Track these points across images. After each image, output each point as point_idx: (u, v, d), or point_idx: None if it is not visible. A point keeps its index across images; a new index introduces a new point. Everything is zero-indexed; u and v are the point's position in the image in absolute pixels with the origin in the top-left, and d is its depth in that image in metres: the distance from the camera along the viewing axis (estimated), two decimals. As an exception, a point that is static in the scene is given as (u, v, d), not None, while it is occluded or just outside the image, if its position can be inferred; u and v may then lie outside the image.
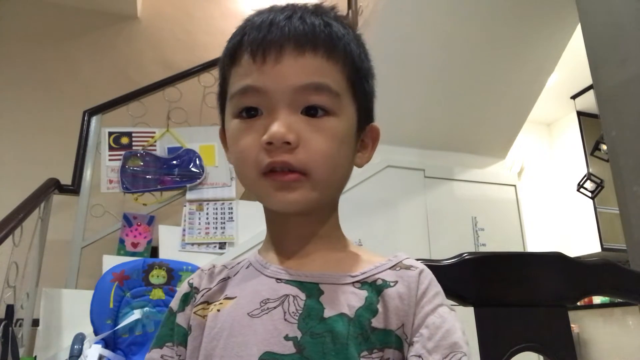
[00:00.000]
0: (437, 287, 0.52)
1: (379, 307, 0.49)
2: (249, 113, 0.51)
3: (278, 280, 0.52)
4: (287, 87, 0.49)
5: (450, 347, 0.47)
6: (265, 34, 0.50)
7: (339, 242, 0.57)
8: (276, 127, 0.48)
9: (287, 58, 0.50)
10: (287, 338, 0.47)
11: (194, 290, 0.56)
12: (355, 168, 0.57)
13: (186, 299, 0.56)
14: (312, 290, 0.50)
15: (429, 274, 0.53)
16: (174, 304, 0.57)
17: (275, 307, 0.49)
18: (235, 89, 0.52)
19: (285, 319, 0.48)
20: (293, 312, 0.48)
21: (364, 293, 0.50)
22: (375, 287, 0.50)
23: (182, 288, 0.58)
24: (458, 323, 0.49)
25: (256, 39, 0.51)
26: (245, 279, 0.54)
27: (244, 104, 0.51)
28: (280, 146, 0.48)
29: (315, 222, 0.55)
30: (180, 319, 0.55)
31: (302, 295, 0.50)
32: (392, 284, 0.51)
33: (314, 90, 0.50)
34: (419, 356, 0.47)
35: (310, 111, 0.50)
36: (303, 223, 0.55)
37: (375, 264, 0.53)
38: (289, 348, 0.46)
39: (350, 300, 0.49)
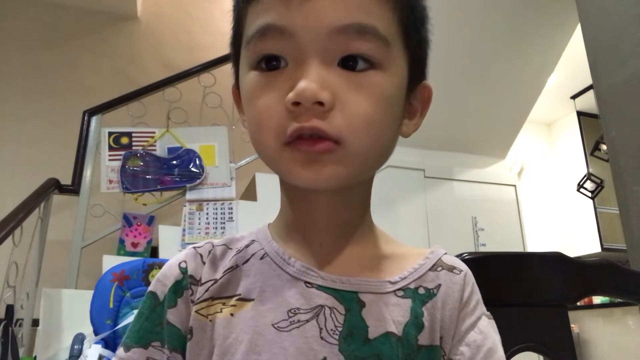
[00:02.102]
0: (478, 294, 0.47)
1: (424, 320, 0.43)
2: (270, 64, 0.40)
3: (308, 284, 0.43)
4: (322, 29, 0.38)
5: None
6: None
7: (371, 233, 0.48)
8: (305, 83, 0.37)
9: None
10: None
11: (189, 279, 0.45)
12: None
13: (178, 288, 0.45)
14: (352, 301, 0.42)
15: (471, 277, 0.47)
16: (160, 291, 0.45)
17: (307, 321, 0.41)
18: (253, 30, 0.40)
19: (322, 337, 0.40)
20: (332, 330, 0.40)
21: (407, 303, 0.43)
22: (418, 296, 0.44)
23: (170, 272, 0.46)
24: (497, 335, 0.46)
25: None
26: (263, 275, 0.44)
27: (264, 50, 0.40)
28: (310, 107, 0.37)
29: (346, 208, 0.45)
30: (174, 317, 0.44)
31: (341, 308, 0.42)
32: (435, 290, 0.45)
33: (356, 33, 0.38)
34: None
35: (350, 63, 0.39)
36: (332, 209, 0.45)
37: (414, 265, 0.47)
38: None
39: (395, 314, 0.42)
